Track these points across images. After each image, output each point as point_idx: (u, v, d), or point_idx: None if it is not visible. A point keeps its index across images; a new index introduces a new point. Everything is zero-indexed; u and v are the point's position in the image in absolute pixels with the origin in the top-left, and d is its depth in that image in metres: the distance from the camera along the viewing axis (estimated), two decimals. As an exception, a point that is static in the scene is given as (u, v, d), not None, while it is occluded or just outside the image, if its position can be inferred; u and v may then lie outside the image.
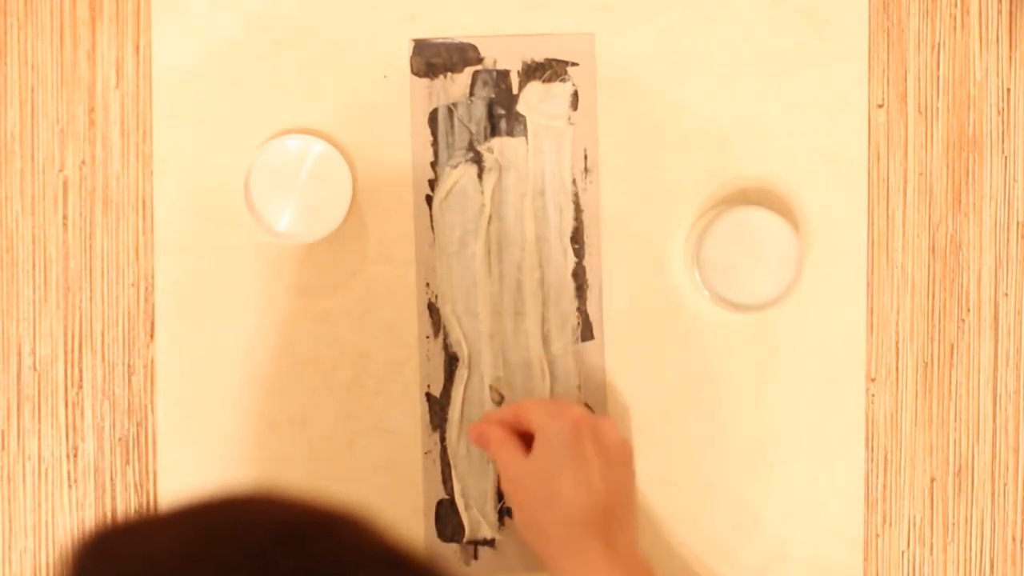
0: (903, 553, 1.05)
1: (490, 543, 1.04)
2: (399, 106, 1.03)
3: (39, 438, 1.03)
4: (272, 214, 1.03)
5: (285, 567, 0.62)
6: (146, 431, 1.03)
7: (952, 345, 1.05)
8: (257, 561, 0.62)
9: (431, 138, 1.04)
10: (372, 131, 1.03)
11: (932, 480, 1.05)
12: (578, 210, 1.04)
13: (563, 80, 1.04)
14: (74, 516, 1.03)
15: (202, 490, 0.68)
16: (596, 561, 0.94)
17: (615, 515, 0.96)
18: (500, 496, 1.04)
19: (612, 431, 0.99)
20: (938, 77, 1.05)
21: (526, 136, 1.04)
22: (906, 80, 1.05)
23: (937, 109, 1.05)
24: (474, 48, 1.04)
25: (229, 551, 0.63)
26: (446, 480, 1.04)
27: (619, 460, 0.98)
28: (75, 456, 1.03)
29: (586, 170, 1.04)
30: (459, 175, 1.04)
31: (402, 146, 1.03)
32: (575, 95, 1.04)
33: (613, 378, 1.04)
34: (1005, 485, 1.05)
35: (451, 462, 1.04)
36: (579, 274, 1.04)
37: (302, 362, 1.03)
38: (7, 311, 1.03)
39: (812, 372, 1.04)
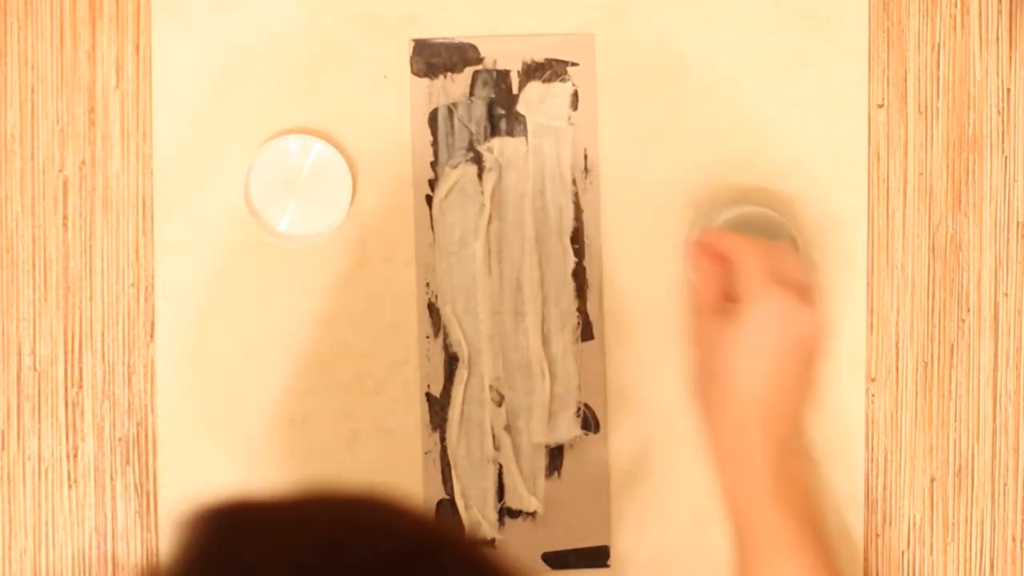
0: (903, 553, 1.05)
1: (490, 543, 1.04)
2: (399, 106, 1.03)
3: (39, 438, 1.03)
4: (272, 214, 1.03)
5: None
6: (146, 431, 1.03)
7: (952, 345, 1.05)
8: (397, 570, 0.62)
9: (431, 138, 1.04)
10: (372, 131, 1.03)
11: (932, 480, 1.05)
12: (578, 210, 1.04)
13: (563, 80, 1.04)
14: (74, 516, 1.03)
15: (308, 485, 0.68)
16: (754, 454, 0.92)
17: (789, 416, 0.93)
18: (500, 496, 1.04)
19: (814, 326, 0.93)
20: (938, 77, 1.05)
21: (526, 136, 1.04)
22: (906, 80, 1.05)
23: (937, 109, 1.05)
24: (474, 48, 1.04)
25: (366, 556, 0.62)
26: (446, 480, 1.04)
27: (808, 363, 0.94)
28: (75, 456, 1.03)
29: (586, 170, 1.04)
30: (459, 175, 1.04)
31: (402, 146, 1.03)
32: (575, 95, 1.04)
33: (613, 378, 1.04)
34: (1005, 485, 1.05)
35: (451, 462, 1.04)
36: (579, 274, 1.04)
37: (302, 362, 1.03)
38: (7, 311, 1.03)
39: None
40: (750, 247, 0.94)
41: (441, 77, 1.04)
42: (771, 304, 0.92)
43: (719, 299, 0.96)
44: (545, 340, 1.04)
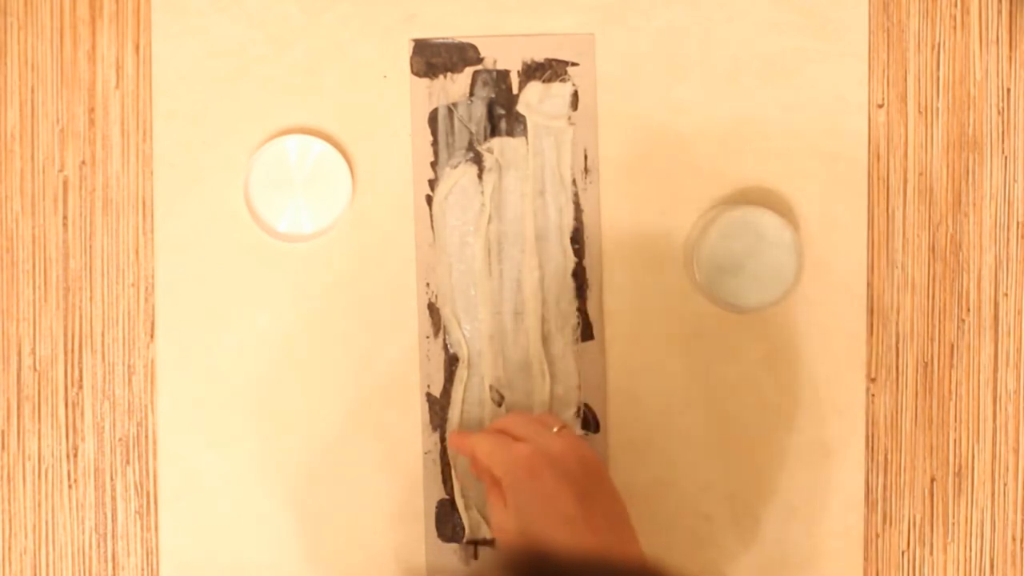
0: (903, 553, 1.05)
1: (490, 543, 1.04)
2: (399, 106, 1.03)
3: (39, 438, 1.03)
4: (272, 214, 1.03)
5: None
6: (146, 431, 1.03)
7: (952, 345, 1.05)
8: None
9: (431, 138, 1.04)
10: (372, 131, 1.03)
11: (932, 480, 1.05)
12: (578, 210, 1.04)
13: (563, 80, 1.04)
14: (74, 516, 1.03)
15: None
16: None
17: (601, 528, 0.93)
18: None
19: (567, 450, 0.94)
20: (938, 77, 1.05)
21: (526, 136, 1.04)
22: (906, 80, 1.05)
23: (937, 109, 1.05)
24: (474, 48, 1.04)
25: None
26: (446, 480, 1.04)
27: (588, 474, 0.94)
28: (75, 456, 1.03)
29: (586, 170, 1.04)
30: (459, 175, 1.04)
31: (402, 146, 1.03)
32: (575, 95, 1.04)
33: (613, 378, 1.04)
34: (1005, 485, 1.05)
35: (451, 462, 1.04)
36: (579, 274, 1.04)
37: (302, 362, 1.03)
38: (7, 311, 1.03)
39: (812, 372, 1.04)
40: (478, 444, 0.96)
41: (441, 77, 1.04)
42: (511, 467, 0.93)
43: (499, 499, 0.95)
44: (545, 340, 1.04)
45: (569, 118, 1.04)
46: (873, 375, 1.05)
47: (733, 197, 1.04)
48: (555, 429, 0.96)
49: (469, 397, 1.04)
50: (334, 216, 1.03)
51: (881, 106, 1.05)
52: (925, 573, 1.05)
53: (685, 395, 1.04)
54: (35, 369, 1.03)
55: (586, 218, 1.04)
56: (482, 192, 1.04)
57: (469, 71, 1.04)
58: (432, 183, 1.04)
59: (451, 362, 1.04)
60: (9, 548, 1.03)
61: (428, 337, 1.04)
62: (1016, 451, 1.05)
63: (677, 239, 1.04)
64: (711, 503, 1.04)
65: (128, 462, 1.03)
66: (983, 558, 1.05)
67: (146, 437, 1.03)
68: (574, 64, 1.04)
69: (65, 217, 1.03)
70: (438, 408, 1.04)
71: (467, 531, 1.04)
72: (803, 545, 1.05)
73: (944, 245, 1.05)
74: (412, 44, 1.04)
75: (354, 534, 1.04)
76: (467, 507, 1.04)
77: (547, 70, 1.04)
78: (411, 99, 1.04)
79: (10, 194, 1.03)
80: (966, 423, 1.05)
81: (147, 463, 1.03)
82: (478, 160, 1.04)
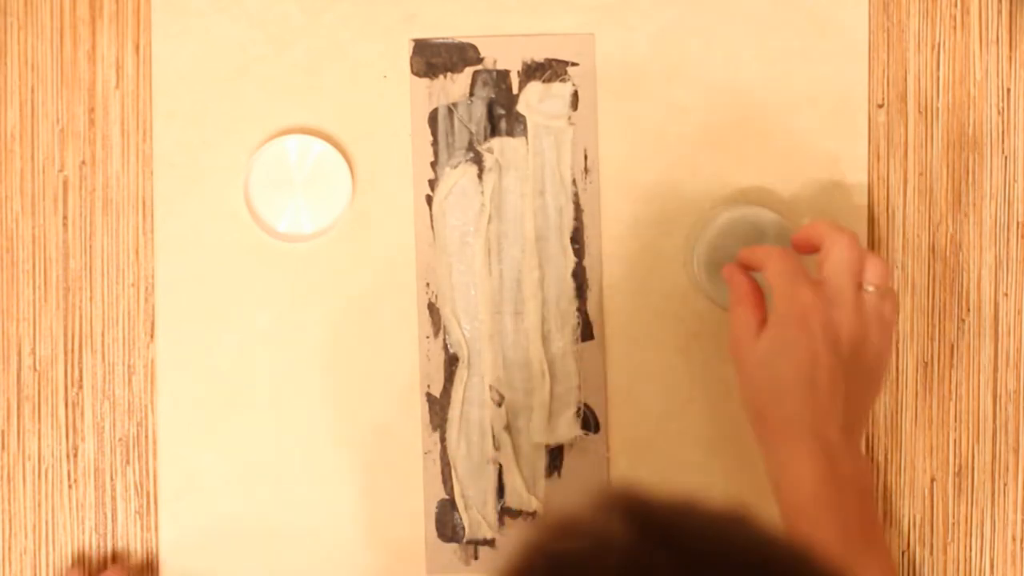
0: (903, 553, 1.05)
1: (490, 543, 1.04)
2: (399, 106, 1.03)
3: (39, 438, 1.03)
4: (272, 214, 1.03)
5: None
6: (146, 431, 1.03)
7: (952, 345, 1.05)
8: None
9: (431, 138, 1.04)
10: (372, 131, 1.03)
11: (932, 480, 1.05)
12: (578, 210, 1.04)
13: (563, 80, 1.04)
14: (74, 516, 1.03)
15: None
16: (802, 464, 0.90)
17: (836, 414, 0.91)
18: (500, 495, 1.04)
19: (850, 321, 0.91)
20: (938, 77, 1.05)
21: (526, 136, 1.04)
22: (906, 80, 1.05)
23: (937, 109, 1.05)
24: (474, 48, 1.04)
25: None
26: (446, 480, 1.04)
27: (855, 355, 0.92)
28: (75, 456, 1.03)
29: (586, 170, 1.04)
30: (459, 175, 1.04)
31: (402, 146, 1.03)
32: (575, 95, 1.04)
33: (613, 378, 1.04)
34: (1005, 485, 1.05)
35: (451, 462, 1.04)
36: (579, 274, 1.04)
37: (302, 362, 1.03)
38: (7, 311, 1.03)
39: (812, 372, 1.04)
40: (776, 254, 0.94)
41: (441, 77, 1.04)
42: (791, 304, 0.92)
43: (756, 319, 0.94)
44: (545, 340, 1.04)
45: (569, 118, 1.04)
46: (873, 375, 1.05)
47: (733, 197, 1.04)
48: (868, 288, 0.93)
49: (469, 397, 1.04)
50: (334, 216, 1.03)
51: (881, 106, 1.05)
52: (925, 573, 1.05)
53: (685, 395, 1.04)
54: (35, 369, 1.03)
55: (586, 218, 1.04)
56: (482, 192, 1.04)
57: (469, 71, 1.04)
58: (432, 183, 1.04)
59: (451, 362, 1.04)
60: (9, 548, 1.03)
61: (428, 337, 1.04)
62: (1016, 451, 1.05)
63: (677, 239, 1.04)
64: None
65: (128, 462, 1.03)
66: (983, 558, 1.05)
67: (146, 437, 1.03)
68: (574, 64, 1.04)
69: (65, 217, 1.03)
70: (438, 408, 1.04)
71: (467, 531, 1.04)
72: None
73: (944, 245, 1.05)
74: (412, 44, 1.04)
75: (354, 534, 1.04)
76: (467, 507, 1.04)
77: (547, 70, 1.04)
78: (411, 99, 1.04)
79: (10, 194, 1.03)
80: (966, 423, 1.05)
81: (147, 463, 1.03)
82: (478, 160, 1.04)
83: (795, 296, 0.92)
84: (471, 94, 1.04)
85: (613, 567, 0.62)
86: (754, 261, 0.96)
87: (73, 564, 1.02)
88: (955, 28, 1.05)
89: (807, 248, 0.96)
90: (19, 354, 1.03)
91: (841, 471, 0.91)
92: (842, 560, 0.87)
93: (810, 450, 0.91)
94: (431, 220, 1.04)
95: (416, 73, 1.04)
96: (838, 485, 0.91)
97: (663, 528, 0.63)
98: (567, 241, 1.04)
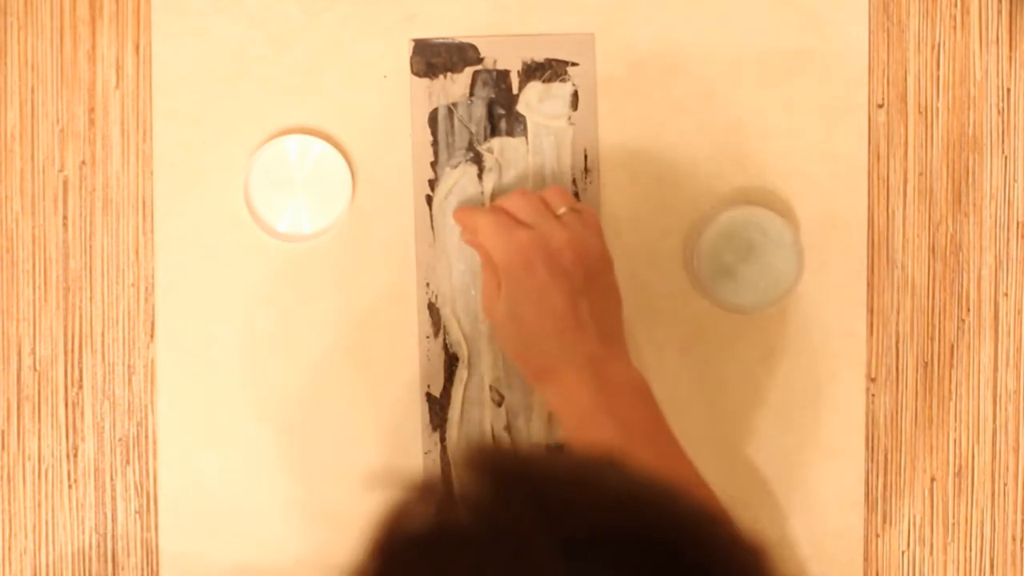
0: (903, 553, 1.05)
1: (490, 543, 1.04)
2: (399, 106, 1.03)
3: (39, 438, 1.03)
4: (272, 214, 1.03)
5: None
6: (146, 431, 1.03)
7: (952, 345, 1.05)
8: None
9: (431, 138, 1.04)
10: (372, 131, 1.03)
11: (932, 480, 1.05)
12: (578, 210, 1.04)
13: (563, 80, 1.04)
14: (74, 516, 1.03)
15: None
16: (573, 387, 0.93)
17: (589, 331, 0.94)
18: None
19: (566, 245, 0.95)
20: (938, 77, 1.05)
21: (526, 136, 1.04)
22: (906, 80, 1.05)
23: (937, 109, 1.05)
24: (474, 48, 1.04)
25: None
26: (446, 480, 1.04)
27: (586, 270, 0.95)
28: (75, 456, 1.03)
29: (586, 170, 1.04)
30: (459, 175, 1.04)
31: (402, 146, 1.03)
32: (575, 95, 1.04)
33: (613, 378, 1.04)
34: (1005, 485, 1.05)
35: (451, 462, 1.04)
36: (579, 274, 1.04)
37: (302, 362, 1.03)
38: (7, 311, 1.03)
39: (812, 372, 1.04)
40: (481, 220, 0.97)
41: (441, 77, 1.04)
42: (507, 252, 0.94)
43: (496, 279, 0.96)
44: (545, 340, 1.04)
45: (569, 118, 1.04)
46: (873, 375, 1.05)
47: (733, 197, 1.04)
48: (560, 211, 0.96)
49: (469, 397, 1.04)
50: (334, 216, 1.03)
51: (881, 106, 1.05)
52: (925, 573, 1.05)
53: (685, 395, 1.04)
54: (35, 369, 1.03)
55: (586, 218, 1.04)
56: (482, 192, 1.04)
57: (469, 71, 1.04)
58: (432, 183, 1.04)
59: (451, 362, 1.04)
60: (9, 548, 1.03)
61: (428, 337, 1.04)
62: (1016, 451, 1.05)
63: (677, 239, 1.04)
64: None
65: (128, 462, 1.03)
66: (983, 558, 1.05)
67: (146, 437, 1.03)
68: (574, 64, 1.04)
69: (65, 217, 1.03)
70: (438, 408, 1.04)
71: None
72: (803, 545, 1.05)
73: (944, 245, 1.05)
74: (412, 44, 1.04)
75: (354, 534, 1.03)
76: (467, 507, 1.04)
77: (547, 70, 1.04)
78: (411, 99, 1.04)
79: (10, 194, 1.03)
80: (966, 423, 1.05)
81: (147, 463, 1.03)
82: (478, 160, 1.04)
83: (509, 245, 0.95)
84: (471, 94, 1.04)
85: (474, 530, 0.61)
86: (468, 227, 0.99)
87: None
88: (955, 28, 1.05)
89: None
90: (19, 354, 1.03)
91: (611, 378, 0.93)
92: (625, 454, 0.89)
93: (577, 370, 0.93)
94: (431, 220, 1.04)
95: (416, 73, 1.04)
96: (609, 391, 0.93)
97: (521, 480, 0.62)
98: (567, 241, 1.04)
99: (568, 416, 0.94)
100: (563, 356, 0.94)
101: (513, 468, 0.64)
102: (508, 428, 1.04)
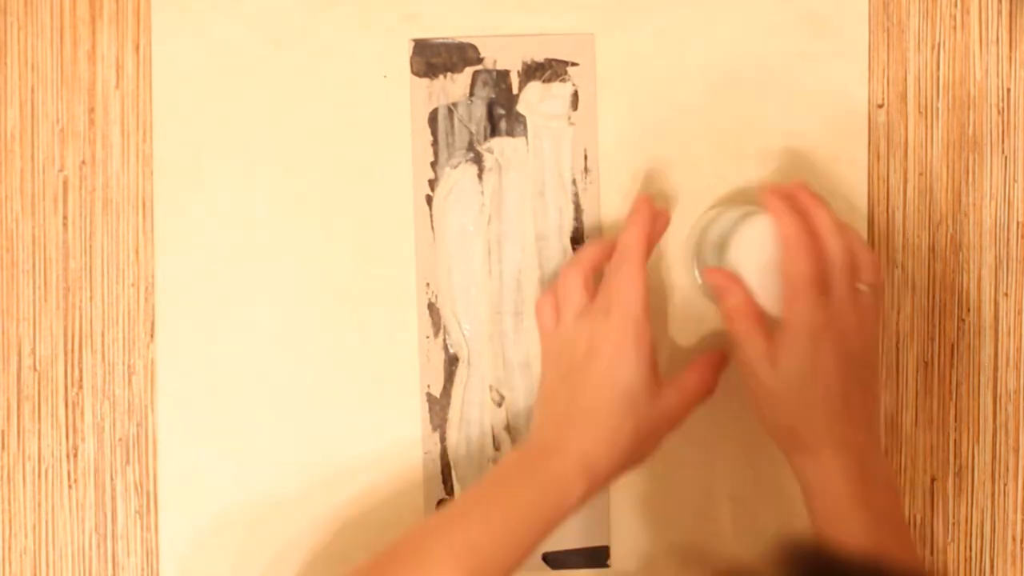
0: (903, 553, 1.05)
1: (490, 543, 1.04)
2: (399, 106, 1.03)
3: (39, 438, 1.03)
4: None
5: None
6: (146, 431, 1.03)
7: (952, 345, 1.05)
8: None
9: (431, 138, 1.04)
10: (372, 131, 1.03)
11: (932, 480, 1.05)
12: (578, 210, 1.04)
13: (563, 80, 1.04)
14: (74, 516, 1.03)
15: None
16: (832, 470, 0.92)
17: (857, 418, 0.93)
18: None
19: (855, 331, 0.93)
20: (938, 77, 1.05)
21: (526, 136, 1.04)
22: (906, 80, 1.05)
23: (937, 109, 1.05)
24: (474, 48, 1.04)
25: None
26: (446, 480, 1.04)
27: (862, 360, 0.94)
28: (75, 456, 1.03)
29: (586, 170, 1.04)
30: (459, 175, 1.04)
31: (402, 146, 1.03)
32: (575, 95, 1.04)
33: (613, 378, 1.04)
34: (1005, 485, 1.05)
35: (451, 462, 1.04)
36: (579, 274, 1.04)
37: (302, 362, 1.03)
38: (7, 311, 1.03)
39: (812, 372, 1.04)
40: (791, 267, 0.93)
41: (441, 77, 1.04)
42: (798, 320, 0.92)
43: (763, 336, 0.94)
44: (545, 340, 1.04)
45: (569, 118, 1.04)
46: (873, 375, 1.05)
47: (733, 197, 1.04)
48: (861, 287, 0.94)
49: (469, 397, 1.04)
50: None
51: (881, 106, 1.05)
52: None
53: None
54: (35, 369, 1.03)
55: (586, 218, 1.04)
56: (482, 192, 1.04)
57: (469, 71, 1.04)
58: (432, 183, 1.04)
59: (451, 362, 1.04)
60: (9, 548, 1.03)
61: (428, 337, 1.04)
62: (1016, 451, 1.05)
63: (677, 239, 1.04)
64: (711, 503, 1.04)
65: (128, 462, 1.03)
66: (983, 558, 1.05)
67: (146, 437, 1.03)
68: (574, 64, 1.04)
69: (65, 217, 1.03)
70: (438, 408, 1.04)
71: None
72: (803, 545, 1.05)
73: (944, 245, 1.05)
74: (412, 44, 1.04)
75: (354, 535, 1.04)
76: (467, 507, 1.04)
77: (547, 70, 1.04)
78: (411, 99, 1.04)
79: (10, 194, 1.03)
80: (966, 423, 1.05)
81: (147, 463, 1.03)
82: (478, 160, 1.04)
83: (802, 311, 0.92)
84: (471, 94, 1.04)
85: None
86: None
87: None
88: (955, 28, 1.05)
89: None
90: (19, 354, 1.03)
91: (868, 468, 0.92)
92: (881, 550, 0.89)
93: (843, 456, 0.92)
94: (431, 220, 1.04)
95: (416, 73, 1.04)
96: (866, 481, 0.92)
97: None
98: (567, 241, 1.04)
99: (820, 498, 0.93)
100: (828, 437, 0.92)
101: (837, 572, 0.64)
102: (508, 428, 1.04)
